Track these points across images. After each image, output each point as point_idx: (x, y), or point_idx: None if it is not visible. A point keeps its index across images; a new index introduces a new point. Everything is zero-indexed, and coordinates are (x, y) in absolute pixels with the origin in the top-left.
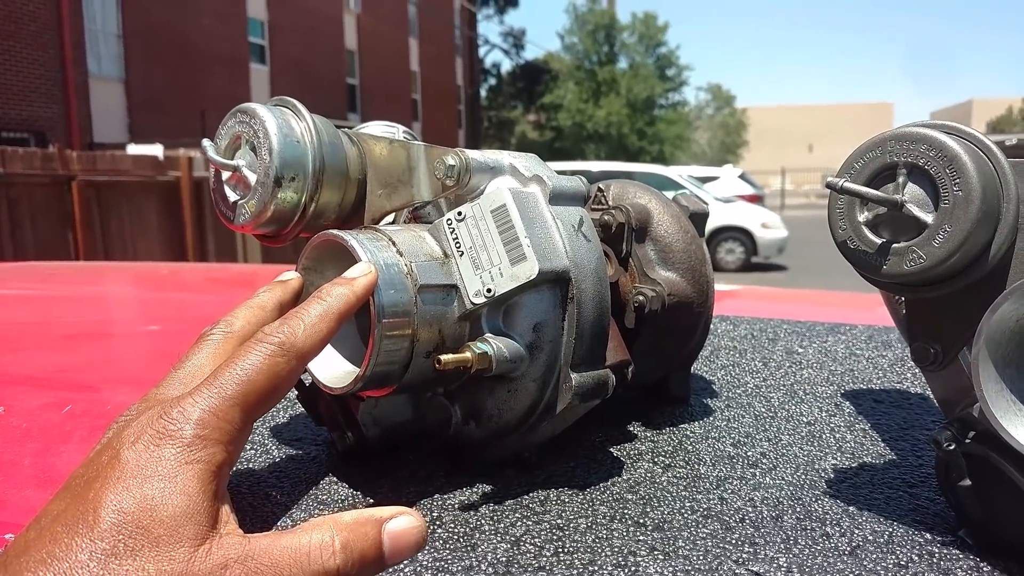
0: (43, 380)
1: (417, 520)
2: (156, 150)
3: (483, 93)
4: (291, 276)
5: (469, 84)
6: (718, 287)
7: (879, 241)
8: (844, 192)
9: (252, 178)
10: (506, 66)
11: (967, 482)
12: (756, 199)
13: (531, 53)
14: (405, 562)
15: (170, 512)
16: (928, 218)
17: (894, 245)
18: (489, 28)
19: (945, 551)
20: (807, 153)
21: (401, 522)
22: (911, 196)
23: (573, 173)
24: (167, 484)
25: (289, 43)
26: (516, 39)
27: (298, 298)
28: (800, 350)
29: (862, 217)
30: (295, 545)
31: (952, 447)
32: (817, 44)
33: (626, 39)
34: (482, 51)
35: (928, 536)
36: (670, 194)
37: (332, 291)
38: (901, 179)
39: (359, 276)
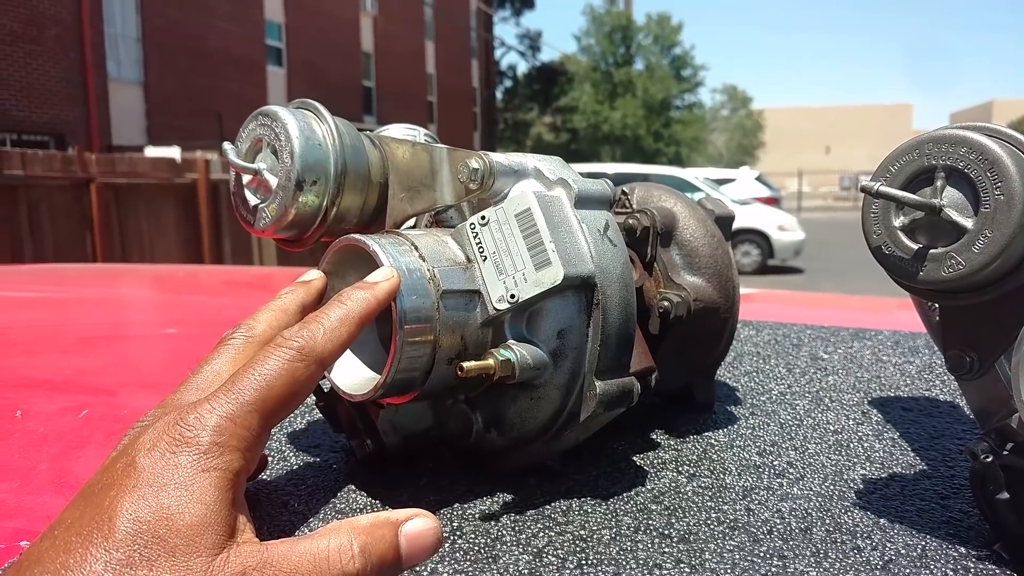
0: (60, 384)
1: (433, 522)
2: (174, 152)
3: (499, 95)
4: (314, 276)
5: (485, 86)
6: None
7: (916, 247)
8: (880, 196)
9: (273, 182)
10: (522, 68)
11: (1005, 495)
12: (772, 201)
13: (547, 55)
14: (425, 573)
15: (187, 521)
16: (968, 223)
17: (931, 251)
18: (505, 30)
19: (981, 566)
20: (824, 155)
21: (417, 524)
22: (949, 200)
23: (589, 175)
24: (184, 492)
25: (306, 45)
26: (532, 41)
27: (321, 299)
28: (825, 356)
29: (898, 222)
30: (314, 550)
31: (989, 459)
32: (835, 44)
33: (642, 40)
34: (498, 53)
35: (963, 550)
36: (694, 197)
37: (353, 295)
38: (939, 183)
39: (381, 281)
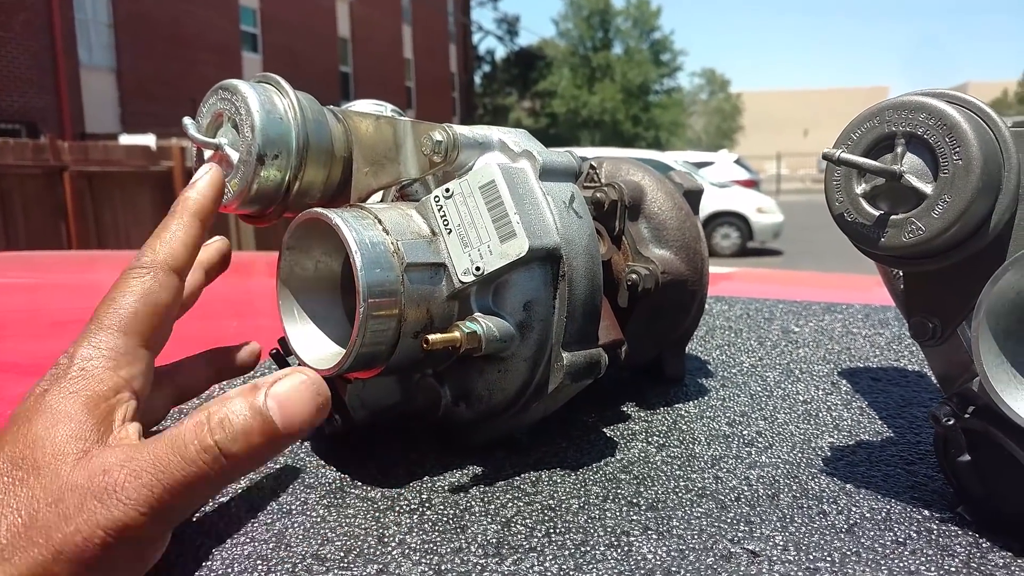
0: (29, 367)
1: (307, 376)
2: (148, 140)
3: (477, 80)
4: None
5: (463, 71)
6: (714, 271)
7: (877, 213)
8: (841, 163)
9: (234, 156)
10: (500, 53)
11: (966, 457)
12: (751, 184)
13: (525, 39)
14: (393, 543)
15: (54, 440)
16: (927, 188)
17: (892, 217)
18: (483, 15)
19: (944, 527)
20: (802, 138)
21: (285, 384)
22: (910, 166)
23: None
24: (50, 418)
25: (281, 31)
26: (510, 25)
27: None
28: (796, 329)
29: (859, 189)
30: (172, 434)
31: (951, 422)
32: (812, 28)
33: (620, 24)
34: (476, 38)
35: (926, 513)
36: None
37: (180, 199)
38: (899, 149)
39: (202, 176)
